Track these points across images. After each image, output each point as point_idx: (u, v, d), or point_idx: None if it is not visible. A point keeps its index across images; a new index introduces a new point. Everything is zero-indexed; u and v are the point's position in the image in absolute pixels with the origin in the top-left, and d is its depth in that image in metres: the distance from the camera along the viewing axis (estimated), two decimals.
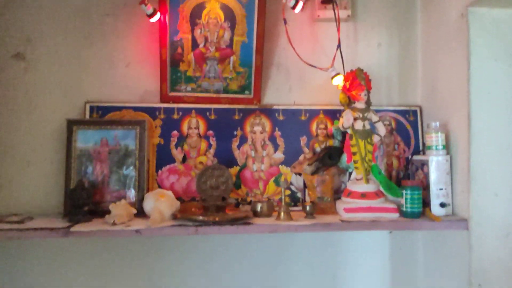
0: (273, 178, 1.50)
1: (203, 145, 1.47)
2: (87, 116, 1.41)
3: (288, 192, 1.48)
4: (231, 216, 1.24)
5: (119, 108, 1.43)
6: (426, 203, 1.34)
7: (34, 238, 1.22)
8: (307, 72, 1.52)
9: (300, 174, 1.50)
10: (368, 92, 1.36)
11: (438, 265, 1.43)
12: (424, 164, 1.38)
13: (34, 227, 1.14)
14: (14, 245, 1.38)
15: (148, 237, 1.44)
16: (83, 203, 1.24)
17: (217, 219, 1.20)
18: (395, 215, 1.29)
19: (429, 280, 1.49)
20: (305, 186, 1.49)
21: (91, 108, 1.41)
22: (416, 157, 1.45)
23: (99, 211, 1.30)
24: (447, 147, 1.36)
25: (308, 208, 1.30)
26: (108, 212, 1.22)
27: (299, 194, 1.50)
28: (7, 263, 1.38)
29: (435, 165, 1.34)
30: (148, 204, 1.26)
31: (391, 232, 1.57)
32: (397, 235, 1.57)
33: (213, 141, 1.48)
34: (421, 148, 1.53)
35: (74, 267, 1.41)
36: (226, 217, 1.23)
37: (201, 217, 1.20)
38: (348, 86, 1.35)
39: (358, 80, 1.34)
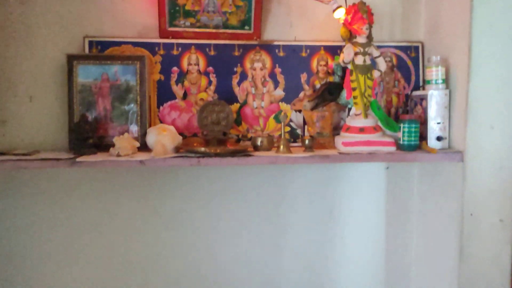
0: (273, 115, 1.51)
1: (203, 81, 1.48)
2: (87, 51, 1.40)
3: (287, 128, 1.51)
4: (232, 149, 1.27)
5: (118, 43, 1.42)
6: (423, 137, 1.37)
7: (41, 168, 1.25)
8: (308, 6, 1.49)
9: (300, 111, 1.52)
10: (370, 26, 1.34)
11: (432, 198, 1.49)
12: (423, 99, 1.39)
13: (41, 157, 1.18)
14: (22, 175, 1.43)
15: (152, 170, 1.48)
16: (87, 137, 1.27)
17: (218, 151, 1.23)
18: (392, 148, 1.33)
19: (423, 212, 1.55)
20: (304, 123, 1.51)
21: (90, 43, 1.40)
22: (415, 93, 1.46)
23: (103, 145, 1.33)
24: (446, 81, 1.37)
25: (307, 142, 1.33)
26: (112, 146, 1.25)
27: (298, 131, 1.52)
28: (16, 193, 1.43)
29: (434, 99, 1.35)
30: (151, 138, 1.29)
31: (388, 168, 1.61)
32: (393, 170, 1.61)
33: (213, 78, 1.48)
34: (421, 84, 1.54)
35: (79, 198, 1.47)
36: (227, 149, 1.26)
37: (203, 149, 1.23)
38: (349, 20, 1.33)
39: (360, 13, 1.32)
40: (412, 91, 1.54)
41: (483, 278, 1.33)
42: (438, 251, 1.44)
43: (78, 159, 1.16)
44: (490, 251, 1.32)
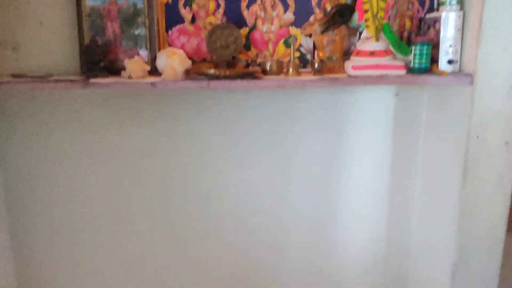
0: (282, 40, 1.50)
1: (212, 4, 1.45)
2: None
3: (297, 54, 1.50)
4: (242, 71, 1.28)
5: None
6: (434, 61, 1.36)
7: (55, 89, 1.29)
8: None
9: (310, 36, 1.50)
10: None
11: (440, 123, 1.50)
12: (436, 21, 1.35)
13: (56, 79, 1.21)
14: (35, 100, 1.46)
15: (162, 94, 1.51)
16: (98, 60, 1.28)
17: (227, 73, 1.24)
18: (402, 72, 1.32)
19: (430, 137, 1.57)
20: (314, 48, 1.49)
21: None
22: (429, 15, 1.42)
23: (114, 70, 1.35)
24: (461, 3, 1.33)
25: (316, 65, 1.33)
26: (123, 70, 1.27)
27: (308, 56, 1.51)
28: (30, 117, 1.48)
29: (447, 21, 1.32)
30: (161, 61, 1.30)
31: (397, 95, 1.61)
32: (402, 97, 1.61)
33: (221, 1, 1.45)
34: (435, 7, 1.49)
35: (90, 123, 1.51)
36: (236, 71, 1.27)
37: (212, 71, 1.24)
38: None
39: None
40: (426, 14, 1.50)
41: (485, 198, 1.38)
42: (443, 174, 1.48)
43: (91, 81, 1.19)
44: (494, 173, 1.36)
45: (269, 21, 1.48)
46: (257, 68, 1.44)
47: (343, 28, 1.44)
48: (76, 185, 1.56)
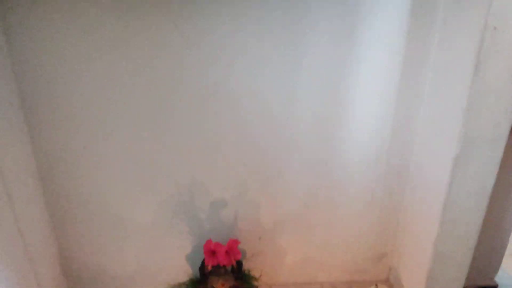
0: None
1: None
2: None
3: None
4: None
5: None
6: None
7: None
8: None
9: None
10: None
11: (457, 15, 1.45)
12: None
13: None
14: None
15: None
16: None
17: None
18: None
19: (445, 31, 1.54)
20: None
21: None
22: None
23: None
24: None
25: None
26: None
27: None
28: (28, 20, 1.44)
29: None
30: None
31: None
32: None
33: None
34: None
35: (93, 15, 1.47)
36: None
37: None
38: None
39: None
40: None
41: (494, 93, 1.38)
42: (455, 67, 1.46)
43: None
44: (506, 68, 1.34)
45: None
46: None
47: None
48: (79, 75, 1.55)
